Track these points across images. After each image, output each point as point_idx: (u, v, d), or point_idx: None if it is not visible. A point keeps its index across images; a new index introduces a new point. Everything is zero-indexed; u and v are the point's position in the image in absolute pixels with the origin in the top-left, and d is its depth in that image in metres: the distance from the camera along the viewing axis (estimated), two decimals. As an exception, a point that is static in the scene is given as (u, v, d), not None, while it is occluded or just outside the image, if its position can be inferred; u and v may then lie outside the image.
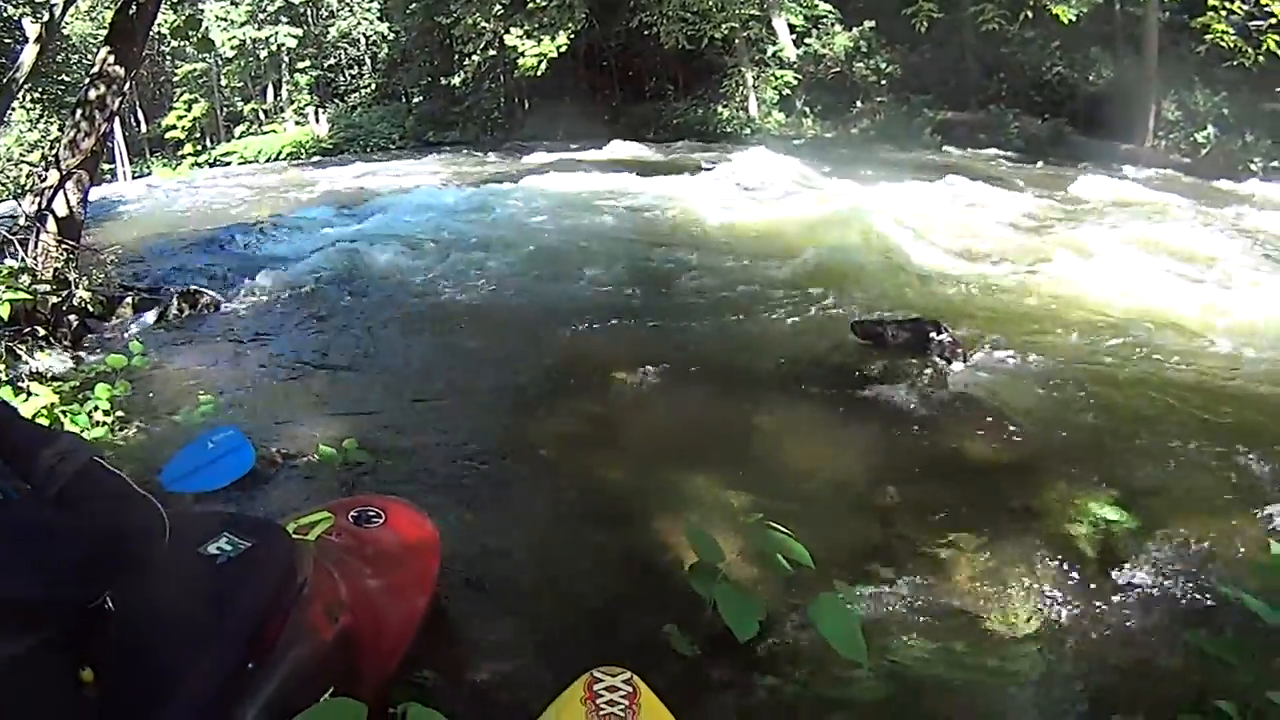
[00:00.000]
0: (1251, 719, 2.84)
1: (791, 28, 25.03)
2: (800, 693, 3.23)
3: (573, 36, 26.20)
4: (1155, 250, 10.04)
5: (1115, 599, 3.80)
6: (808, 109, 24.97)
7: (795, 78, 24.64)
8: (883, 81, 24.22)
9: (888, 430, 5.36)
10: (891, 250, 9.68)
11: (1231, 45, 11.93)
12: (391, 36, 38.31)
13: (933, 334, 6.39)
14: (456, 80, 30.57)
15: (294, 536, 2.69)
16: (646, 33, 25.77)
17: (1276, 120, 17.12)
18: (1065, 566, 4.00)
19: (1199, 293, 8.29)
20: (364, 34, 38.70)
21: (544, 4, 26.74)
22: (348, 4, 38.07)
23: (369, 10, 38.03)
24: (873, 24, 24.02)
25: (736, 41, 24.59)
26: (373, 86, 39.11)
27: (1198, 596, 3.80)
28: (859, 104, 24.45)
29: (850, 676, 3.25)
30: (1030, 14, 17.90)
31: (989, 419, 5.53)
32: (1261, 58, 11.34)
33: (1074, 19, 18.38)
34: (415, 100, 36.45)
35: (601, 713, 2.44)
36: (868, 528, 4.32)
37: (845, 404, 5.70)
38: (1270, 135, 17.34)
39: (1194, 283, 8.65)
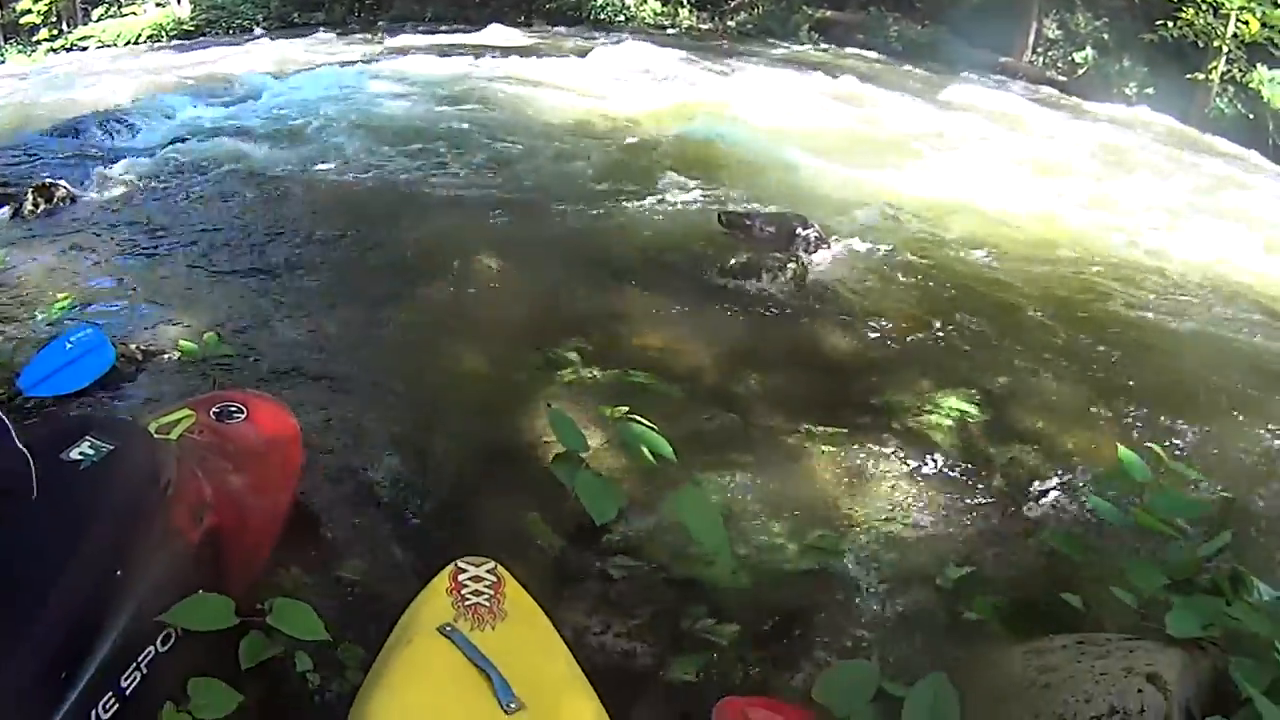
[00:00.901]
0: (1094, 612, 3.06)
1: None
2: (659, 580, 3.34)
3: None
4: (1021, 159, 10.38)
5: (971, 495, 4.01)
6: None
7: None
8: (762, -26, 23.85)
9: (751, 321, 5.47)
10: (763, 143, 9.68)
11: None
12: (259, -91, 35.83)
13: (798, 228, 6.48)
14: None
15: (156, 436, 2.66)
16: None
17: (1152, 49, 17.45)
18: (922, 461, 4.19)
19: (1059, 200, 8.68)
20: (229, -93, 36.10)
21: None
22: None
23: (236, -118, 35.42)
24: (756, -86, 23.62)
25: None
26: (235, -35, 36.63)
27: (1049, 496, 4.02)
28: (737, -4, 24.16)
29: (710, 565, 3.34)
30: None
31: (851, 313, 5.69)
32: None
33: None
34: None
35: (467, 602, 2.46)
36: (729, 418, 4.43)
37: (709, 293, 5.77)
38: (1146, 63, 17.84)
39: (1055, 192, 9.05)
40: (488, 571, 2.62)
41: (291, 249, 6.40)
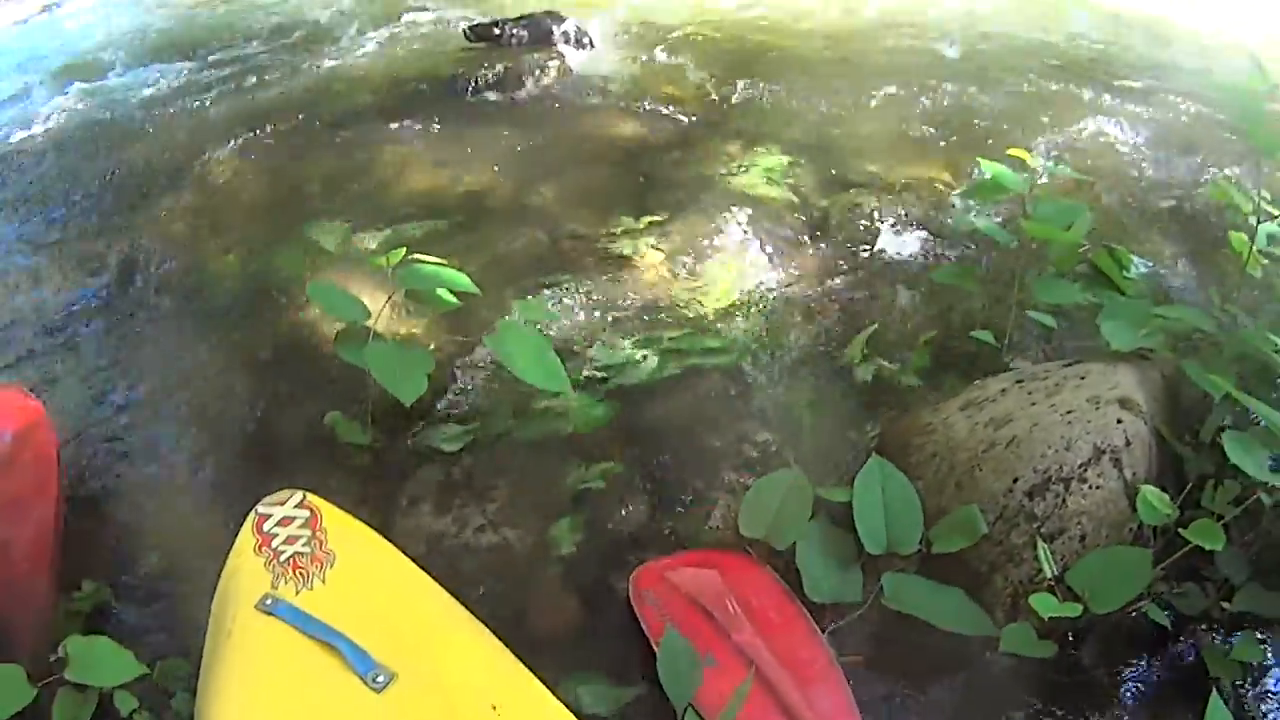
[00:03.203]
0: (1009, 341, 2.82)
1: None
2: (509, 444, 2.84)
3: None
4: None
5: (828, 250, 3.66)
6: None
7: None
8: None
9: (524, 130, 4.82)
10: None
11: None
12: None
13: (554, 25, 5.85)
14: None
15: None
16: None
17: None
18: (762, 225, 3.78)
19: None
20: None
21: None
22: None
23: None
24: None
25: None
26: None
27: (912, 233, 3.71)
28: None
29: (557, 406, 2.90)
30: None
31: (631, 99, 5.12)
32: None
33: None
34: None
35: (282, 557, 2.01)
36: (532, 235, 3.86)
37: (471, 113, 5.07)
38: None
39: None
40: (296, 506, 2.15)
41: (13, 181, 5.25)
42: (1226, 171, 3.99)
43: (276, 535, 2.05)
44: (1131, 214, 3.86)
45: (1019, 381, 2.47)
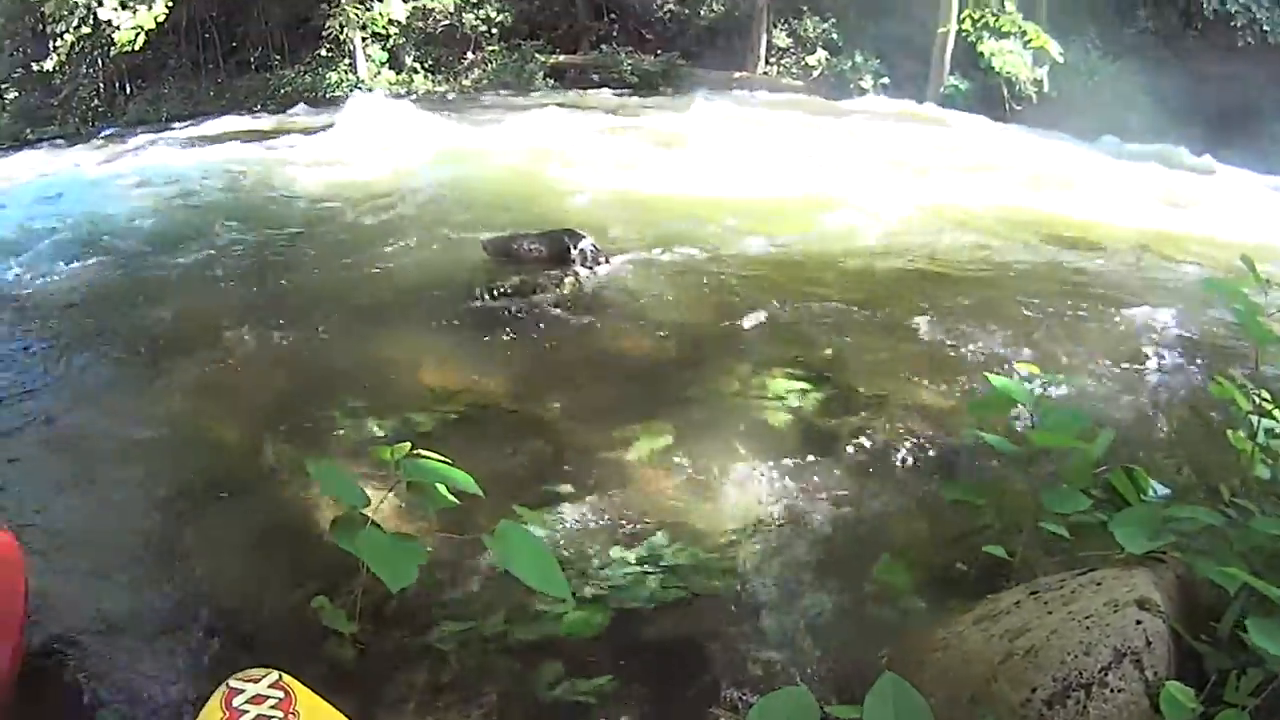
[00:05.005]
0: (1021, 554, 2.74)
1: (399, -15, 24.18)
2: (499, 646, 2.76)
3: (171, 4, 23.87)
4: (769, 153, 10.65)
5: (835, 470, 3.64)
6: (418, 65, 24.20)
7: (404, 35, 23.89)
8: (493, 30, 23.85)
9: (536, 342, 5.03)
10: (515, 178, 9.48)
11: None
12: (-17, 27, 33.37)
13: (570, 243, 6.11)
14: (50, 65, 27.14)
15: None
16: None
17: (881, 42, 18.43)
18: (770, 446, 3.79)
19: (815, 181, 8.89)
20: (-54, 23, 33.43)
21: (139, -30, 24.39)
22: (-75, -12, 32.74)
23: (-41, 0, 32.88)
24: (483, -27, 23.68)
25: (343, 2, 23.35)
26: (-36, 84, 33.95)
27: (920, 452, 3.72)
28: (470, 55, 24.04)
29: (553, 612, 2.83)
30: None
31: (644, 317, 5.33)
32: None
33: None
34: (9, 95, 32.09)
35: None
36: (536, 444, 3.92)
37: (484, 320, 5.28)
38: (877, 55, 18.66)
39: (808, 175, 9.28)
40: (271, 686, 2.06)
41: (20, 346, 5.52)
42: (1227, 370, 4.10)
43: (246, 713, 1.95)
44: (1136, 416, 3.94)
45: (1033, 593, 2.40)
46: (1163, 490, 2.73)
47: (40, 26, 29.83)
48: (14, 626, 2.48)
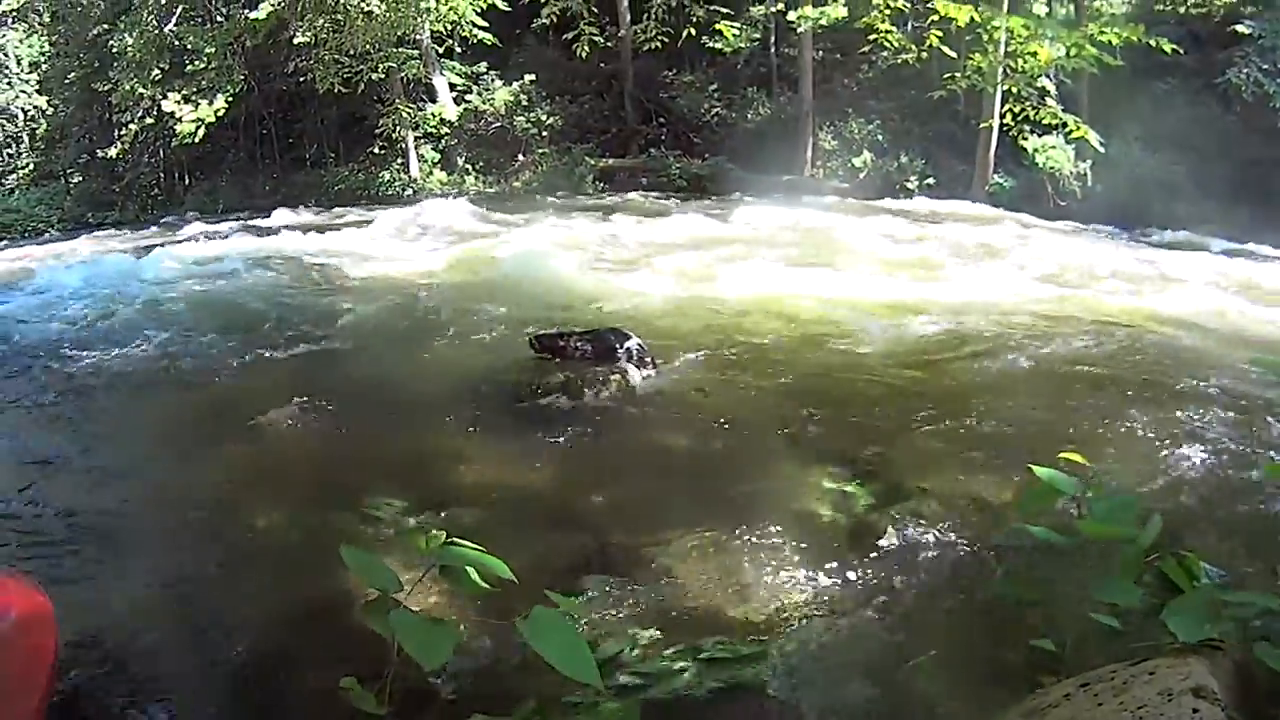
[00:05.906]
0: (1071, 647, 2.67)
1: (452, 86, 24.81)
2: None
3: (230, 100, 24.84)
4: (816, 257, 10.70)
5: (881, 569, 3.58)
6: (470, 165, 24.78)
7: (456, 136, 24.50)
8: (544, 133, 24.36)
9: (580, 439, 5.02)
10: (564, 279, 9.54)
11: (897, 44, 12.58)
12: (50, 110, 34.78)
13: (617, 342, 6.12)
14: (114, 152, 28.22)
15: None
16: (304, 92, 25.09)
17: (927, 143, 18.90)
18: (813, 546, 3.74)
19: (863, 284, 8.88)
20: (21, 108, 34.93)
21: (202, 67, 25.35)
22: (4, 76, 34.27)
23: (27, 83, 34.39)
24: (533, 77, 24.21)
25: (397, 102, 24.08)
26: (30, 166, 35.31)
27: (966, 547, 3.67)
28: (521, 157, 24.56)
29: (586, 702, 2.76)
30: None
31: (691, 416, 5.33)
32: (925, 54, 12.03)
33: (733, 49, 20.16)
34: (74, 180, 33.31)
35: None
36: (577, 538, 3.92)
37: (530, 417, 5.30)
38: (922, 156, 18.99)
39: (857, 277, 9.31)
40: None
41: (73, 424, 5.79)
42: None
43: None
44: (1187, 499, 3.88)
45: (1084, 685, 2.31)
46: (1217, 573, 2.67)
47: (106, 115, 31.12)
48: (39, 680, 2.50)
